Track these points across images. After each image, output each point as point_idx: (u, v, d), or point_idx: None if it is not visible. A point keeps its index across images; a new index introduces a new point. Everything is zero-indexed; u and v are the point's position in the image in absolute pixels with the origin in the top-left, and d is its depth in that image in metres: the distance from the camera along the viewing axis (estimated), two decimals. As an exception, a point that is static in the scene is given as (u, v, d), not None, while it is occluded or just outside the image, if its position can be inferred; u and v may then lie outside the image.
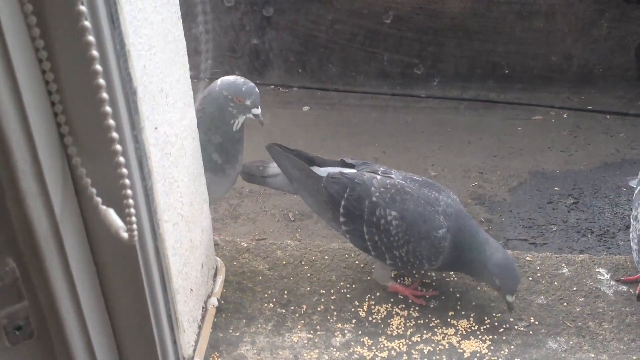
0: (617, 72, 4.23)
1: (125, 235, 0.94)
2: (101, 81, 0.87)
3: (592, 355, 1.68)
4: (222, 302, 1.85)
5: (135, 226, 0.93)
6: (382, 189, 1.80)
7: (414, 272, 1.94)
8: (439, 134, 4.14)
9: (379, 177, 1.84)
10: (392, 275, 1.91)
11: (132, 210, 0.92)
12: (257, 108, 1.77)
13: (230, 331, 1.77)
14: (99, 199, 0.98)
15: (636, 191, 1.92)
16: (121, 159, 0.90)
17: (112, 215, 0.97)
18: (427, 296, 1.88)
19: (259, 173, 2.03)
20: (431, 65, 4.33)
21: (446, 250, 1.76)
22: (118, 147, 0.89)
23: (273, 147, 1.98)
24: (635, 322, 1.76)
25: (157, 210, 1.17)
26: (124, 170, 0.90)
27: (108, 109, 0.89)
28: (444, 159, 3.91)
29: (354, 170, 1.90)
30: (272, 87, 4.52)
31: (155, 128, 1.31)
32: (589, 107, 4.14)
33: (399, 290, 1.88)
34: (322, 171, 1.90)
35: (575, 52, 4.17)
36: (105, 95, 0.88)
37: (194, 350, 1.65)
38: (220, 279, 1.90)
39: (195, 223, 1.71)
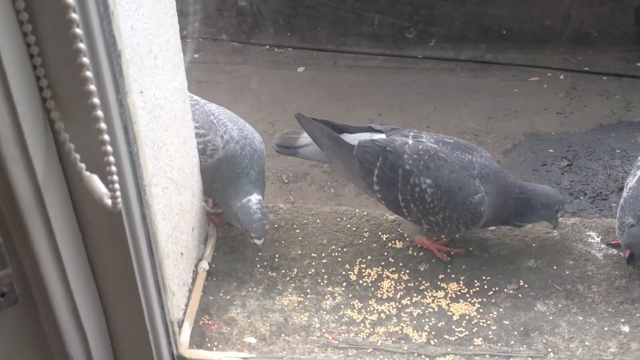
0: (615, 34, 4.19)
1: (109, 202, 0.93)
2: (81, 45, 0.85)
3: (580, 317, 1.70)
4: (213, 265, 1.85)
5: (118, 193, 0.92)
6: (415, 156, 1.79)
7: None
8: (435, 95, 4.12)
9: (410, 142, 1.82)
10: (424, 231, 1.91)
11: (115, 178, 0.91)
12: (260, 240, 1.80)
13: (221, 294, 1.78)
14: (82, 165, 0.97)
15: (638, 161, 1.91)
16: (103, 126, 0.88)
17: (95, 181, 0.96)
18: (452, 253, 1.89)
19: (291, 144, 2.02)
20: (423, 29, 4.28)
21: (485, 212, 1.77)
22: (99, 113, 0.88)
23: (302, 117, 1.94)
24: (624, 285, 1.77)
25: (143, 175, 1.15)
26: (106, 137, 0.89)
27: (89, 74, 0.87)
28: (439, 121, 3.90)
29: (384, 136, 1.88)
30: (267, 47, 4.47)
31: (141, 92, 1.29)
32: (586, 69, 4.12)
33: (425, 244, 1.89)
34: (352, 139, 1.89)
35: (573, 13, 4.12)
36: (85, 59, 0.86)
37: (184, 314, 1.66)
38: (211, 242, 1.90)
39: (185, 187, 1.70)
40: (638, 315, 1.69)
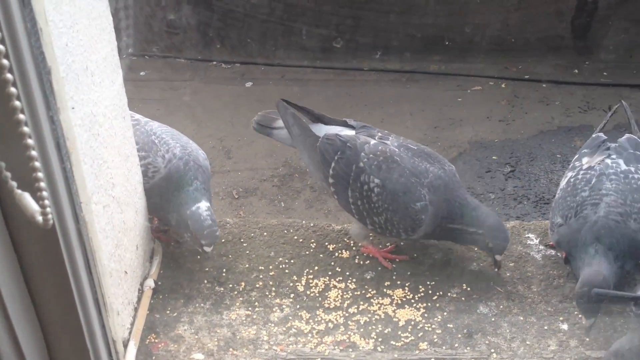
0: (553, 42, 4.32)
1: (40, 219, 0.92)
2: (4, 61, 0.85)
3: (521, 317, 1.75)
4: (159, 283, 1.84)
5: (49, 210, 0.92)
6: (371, 155, 1.83)
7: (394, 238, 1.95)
8: (382, 106, 4.17)
9: (372, 142, 1.86)
10: (370, 237, 1.94)
11: (45, 194, 0.90)
12: (209, 247, 1.81)
13: (168, 312, 1.77)
14: (14, 183, 0.96)
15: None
16: (30, 142, 0.88)
17: (27, 199, 0.95)
18: (397, 260, 1.91)
19: (268, 124, 2.06)
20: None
21: (425, 222, 1.79)
22: (26, 129, 0.87)
23: (280, 102, 2.00)
24: (562, 285, 1.82)
25: (78, 192, 1.14)
26: (34, 153, 0.88)
27: (13, 90, 0.86)
28: (387, 131, 3.96)
29: (352, 132, 1.92)
30: (214, 63, 4.46)
31: (73, 108, 1.28)
32: (526, 77, 4.23)
33: (370, 252, 1.92)
34: (323, 130, 1.95)
35: (512, 22, 4.24)
36: (9, 76, 0.85)
37: (130, 333, 1.65)
38: (157, 260, 1.88)
39: (128, 204, 1.69)
40: (576, 312, 1.75)
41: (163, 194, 1.83)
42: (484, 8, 4.22)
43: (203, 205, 1.79)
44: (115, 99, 1.62)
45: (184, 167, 1.82)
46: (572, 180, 1.85)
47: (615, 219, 1.70)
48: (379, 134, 1.92)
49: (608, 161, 1.85)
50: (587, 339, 1.68)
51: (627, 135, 1.97)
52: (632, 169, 1.82)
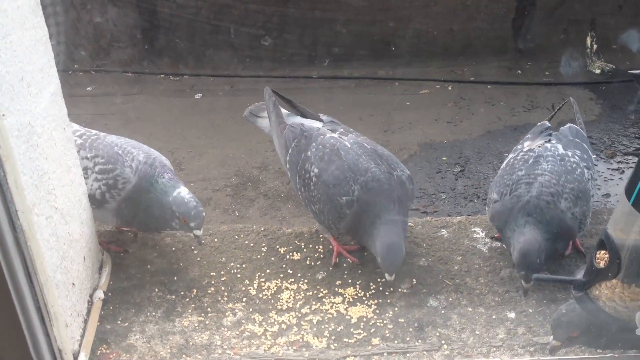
0: (495, 45, 4.44)
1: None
2: None
3: (470, 309, 1.78)
4: (110, 294, 1.82)
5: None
6: (320, 146, 1.90)
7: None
8: (332, 113, 4.16)
9: (328, 135, 1.93)
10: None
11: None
12: (200, 230, 1.83)
13: (119, 322, 1.75)
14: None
15: None
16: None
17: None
18: (348, 259, 1.94)
19: (256, 113, 2.20)
20: (323, 48, 4.39)
21: (349, 217, 1.82)
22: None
23: (267, 90, 2.13)
24: (508, 275, 1.87)
25: (14, 200, 1.13)
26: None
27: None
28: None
29: (318, 124, 2.00)
30: (162, 76, 4.44)
31: (3, 115, 1.26)
32: (471, 79, 4.34)
33: (332, 243, 1.96)
34: (298, 121, 2.05)
35: (455, 27, 4.34)
36: None
37: (80, 344, 1.62)
38: (106, 271, 1.86)
39: (72, 216, 1.67)
40: (523, 301, 1.79)
41: (139, 199, 1.84)
42: (427, 14, 4.32)
43: (183, 190, 1.84)
44: (53, 110, 1.60)
45: (151, 169, 1.85)
46: (511, 160, 1.92)
47: (547, 200, 1.75)
48: (341, 130, 1.98)
49: (548, 145, 1.93)
50: (533, 326, 1.72)
51: (569, 124, 2.06)
52: (569, 153, 1.90)
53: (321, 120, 2.06)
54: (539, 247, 1.68)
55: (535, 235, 1.70)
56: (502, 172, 1.92)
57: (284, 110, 2.13)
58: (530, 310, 1.76)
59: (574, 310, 1.48)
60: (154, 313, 1.78)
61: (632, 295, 1.34)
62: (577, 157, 1.89)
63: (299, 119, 2.08)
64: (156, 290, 1.84)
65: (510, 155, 1.97)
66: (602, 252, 1.36)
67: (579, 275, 1.46)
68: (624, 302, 1.36)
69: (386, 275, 1.77)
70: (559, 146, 1.93)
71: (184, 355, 1.66)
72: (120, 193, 1.82)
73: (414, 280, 1.87)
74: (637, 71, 1.47)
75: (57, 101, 1.64)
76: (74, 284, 1.64)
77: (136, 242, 2.00)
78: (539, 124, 2.09)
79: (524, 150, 1.95)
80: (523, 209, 1.74)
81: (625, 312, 1.36)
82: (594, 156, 2.48)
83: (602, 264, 1.36)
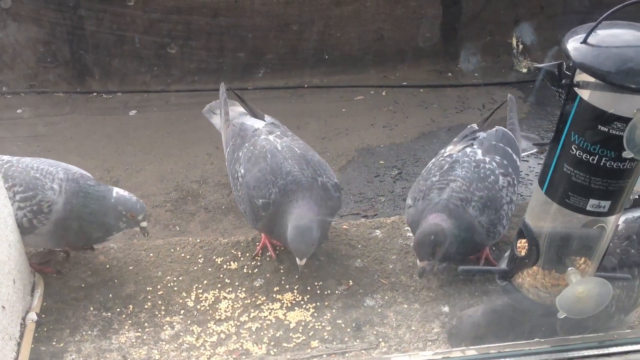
0: (425, 49, 4.55)
1: None
2: None
3: (406, 306, 1.82)
4: (43, 316, 1.78)
5: None
6: (251, 147, 1.94)
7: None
8: (269, 123, 4.25)
9: (262, 137, 1.96)
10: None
11: None
12: (145, 222, 1.90)
13: (54, 343, 1.72)
14: None
15: None
16: None
17: None
18: (269, 252, 1.99)
19: (213, 109, 2.29)
20: (256, 58, 4.41)
21: (264, 219, 1.85)
22: None
23: (222, 86, 2.21)
24: (441, 271, 1.92)
25: None
26: None
27: None
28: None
29: (260, 124, 2.05)
30: (94, 94, 4.37)
31: None
32: (404, 83, 4.43)
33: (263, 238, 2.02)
34: (246, 120, 2.10)
35: (385, 33, 4.42)
36: None
37: (13, 368, 1.59)
38: (38, 293, 1.83)
39: (-1, 238, 1.64)
40: (456, 294, 1.84)
41: (75, 216, 1.81)
42: (357, 21, 4.39)
43: (119, 190, 1.87)
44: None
45: (76, 183, 1.83)
46: (430, 166, 1.95)
47: (455, 204, 1.76)
48: (278, 132, 2.00)
49: (468, 150, 1.92)
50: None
51: (497, 127, 2.04)
52: (487, 159, 1.87)
53: (264, 120, 2.10)
54: (441, 230, 1.67)
55: (440, 222, 1.70)
56: (420, 177, 1.94)
57: (240, 109, 2.17)
58: (463, 302, 1.81)
59: (462, 323, 1.54)
60: (89, 332, 1.75)
61: (553, 280, 1.40)
62: (494, 164, 1.87)
63: (243, 118, 2.12)
64: (91, 308, 1.82)
65: (432, 160, 1.99)
66: (522, 240, 1.42)
67: (503, 264, 1.52)
68: (546, 288, 1.42)
69: (297, 259, 1.78)
70: (479, 151, 1.91)
71: (122, 372, 1.65)
72: (48, 217, 1.79)
73: (350, 281, 1.90)
74: (541, 65, 1.50)
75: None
76: (3, 307, 1.60)
77: (69, 262, 1.97)
78: (468, 126, 2.11)
79: (444, 155, 1.95)
80: (432, 210, 1.76)
81: (547, 297, 1.42)
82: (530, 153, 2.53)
83: (522, 253, 1.41)
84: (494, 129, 2.04)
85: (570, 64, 1.19)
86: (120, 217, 1.84)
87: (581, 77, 1.19)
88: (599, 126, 1.17)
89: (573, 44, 1.17)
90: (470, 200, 1.77)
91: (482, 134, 2.02)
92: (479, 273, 1.80)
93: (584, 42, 1.16)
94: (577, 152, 1.21)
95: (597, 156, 1.19)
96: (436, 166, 1.91)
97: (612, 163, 1.19)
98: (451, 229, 1.71)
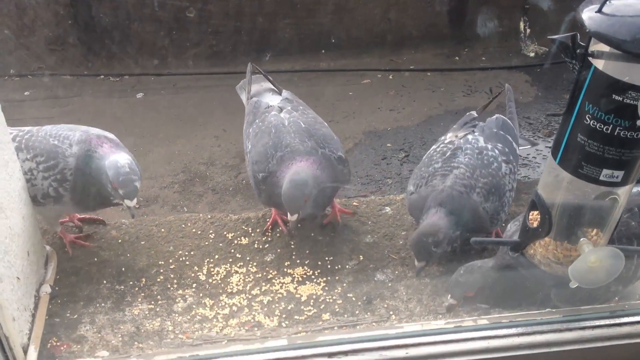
0: (432, 33, 4.54)
1: None
2: None
3: (416, 280, 1.84)
4: (57, 288, 1.80)
5: None
6: (260, 124, 1.96)
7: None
8: (276, 106, 4.25)
9: (273, 112, 1.99)
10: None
11: None
12: (131, 201, 1.71)
13: (68, 315, 1.74)
14: None
15: None
16: None
17: None
18: (280, 228, 2.01)
19: (243, 86, 2.28)
20: (263, 41, 4.42)
21: (265, 192, 1.88)
22: None
23: (250, 65, 2.26)
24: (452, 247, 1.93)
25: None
26: None
27: None
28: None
29: (277, 100, 2.07)
30: (102, 77, 4.38)
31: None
32: (411, 67, 4.42)
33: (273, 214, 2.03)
34: (261, 96, 2.15)
35: (392, 17, 4.42)
36: None
37: (29, 338, 1.60)
38: (52, 266, 1.85)
39: (13, 210, 1.65)
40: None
41: (85, 177, 1.76)
42: (364, 4, 4.38)
43: (122, 157, 1.73)
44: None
45: (85, 144, 1.77)
46: (431, 152, 1.94)
47: (459, 190, 1.75)
48: (289, 107, 2.01)
49: (469, 137, 1.92)
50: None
51: (496, 115, 2.03)
52: (489, 146, 1.87)
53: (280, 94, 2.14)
54: (438, 230, 1.68)
55: (438, 222, 1.71)
56: (421, 164, 1.93)
57: (268, 85, 2.21)
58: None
59: (470, 271, 1.55)
60: (103, 304, 1.77)
61: (565, 251, 1.42)
62: (496, 151, 1.87)
63: (264, 95, 2.16)
64: (104, 282, 1.84)
65: (433, 147, 1.97)
66: (534, 212, 1.43)
67: (515, 237, 1.53)
68: (558, 259, 1.43)
69: (288, 215, 1.77)
70: (481, 139, 1.91)
71: (135, 343, 1.67)
72: (70, 183, 1.78)
73: (360, 256, 1.91)
74: (555, 36, 1.48)
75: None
76: (18, 278, 1.62)
77: (81, 238, 1.98)
78: (467, 114, 2.10)
79: (445, 142, 1.94)
80: (436, 198, 1.75)
81: (559, 268, 1.43)
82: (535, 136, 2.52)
83: (534, 224, 1.42)
84: (494, 116, 2.03)
85: (586, 34, 1.19)
86: (107, 184, 1.72)
87: (596, 46, 1.19)
88: (613, 95, 1.17)
89: (588, 13, 1.18)
90: (474, 187, 1.77)
91: (481, 122, 2.02)
92: (492, 244, 1.81)
93: (599, 11, 1.16)
94: (591, 122, 1.22)
95: (611, 125, 1.20)
96: (438, 153, 1.90)
97: (626, 132, 1.20)
98: (451, 224, 1.70)
